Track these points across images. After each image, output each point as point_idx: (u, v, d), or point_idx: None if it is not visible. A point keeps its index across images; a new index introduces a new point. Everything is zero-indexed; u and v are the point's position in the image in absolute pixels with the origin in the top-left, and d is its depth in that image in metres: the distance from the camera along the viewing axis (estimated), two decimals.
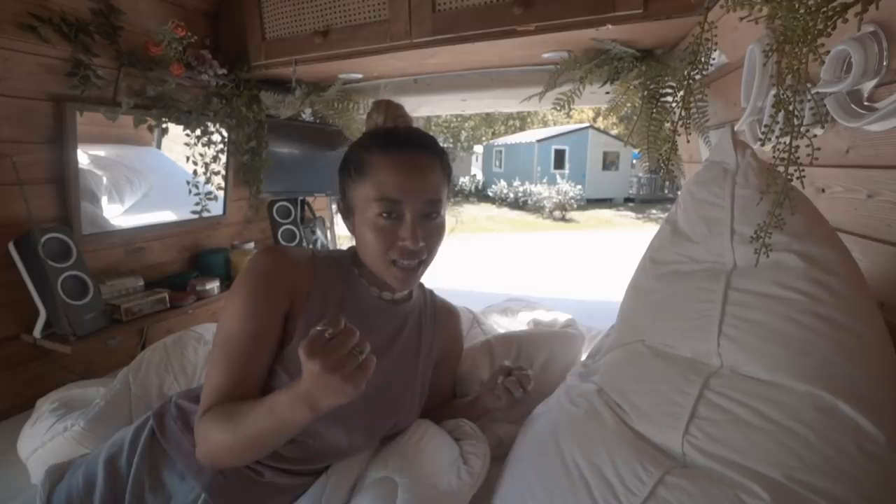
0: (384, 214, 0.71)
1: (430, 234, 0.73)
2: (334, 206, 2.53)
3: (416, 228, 0.71)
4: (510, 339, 1.07)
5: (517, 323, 1.33)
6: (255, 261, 0.73)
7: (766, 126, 0.55)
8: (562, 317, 1.29)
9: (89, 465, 0.76)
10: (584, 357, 0.95)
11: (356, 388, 0.51)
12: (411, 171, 0.71)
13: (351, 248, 0.83)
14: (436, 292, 0.95)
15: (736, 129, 0.96)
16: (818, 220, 0.60)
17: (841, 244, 0.58)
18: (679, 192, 0.82)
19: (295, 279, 0.73)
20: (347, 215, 0.78)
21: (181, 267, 1.86)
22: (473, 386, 0.99)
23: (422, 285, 0.90)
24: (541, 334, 1.13)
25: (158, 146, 1.71)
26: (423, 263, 0.75)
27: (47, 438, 0.93)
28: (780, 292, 0.55)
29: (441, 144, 0.78)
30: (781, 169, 0.51)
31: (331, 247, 2.44)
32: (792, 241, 0.56)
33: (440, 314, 0.92)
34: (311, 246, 2.23)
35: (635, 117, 1.31)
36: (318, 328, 0.51)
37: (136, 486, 0.72)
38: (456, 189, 17.16)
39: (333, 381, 0.50)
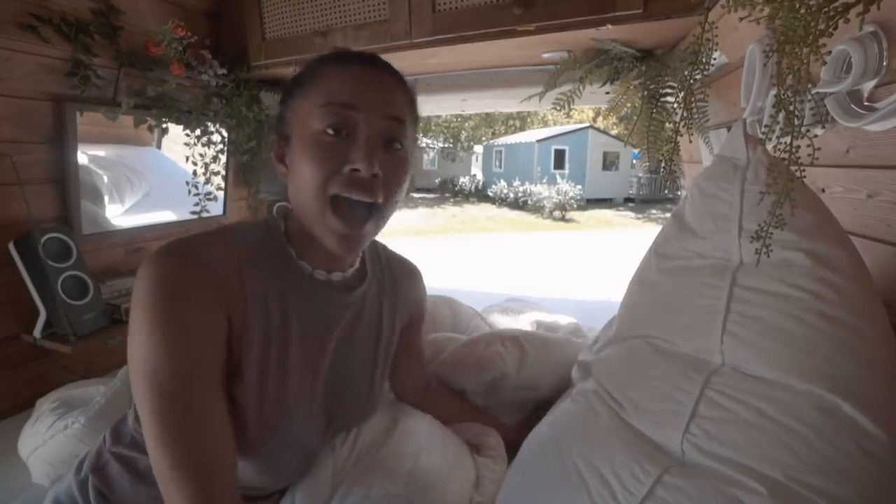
0: (330, 129, 0.54)
1: (389, 166, 0.57)
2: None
3: (372, 148, 0.55)
4: (547, 344, 1.01)
5: (519, 324, 1.33)
6: (163, 275, 0.51)
7: (766, 126, 0.55)
8: (564, 319, 1.29)
9: None
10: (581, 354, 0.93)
11: None
12: (370, 80, 0.58)
13: (277, 214, 0.65)
14: (390, 248, 0.80)
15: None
16: (827, 219, 0.59)
17: (849, 243, 0.58)
18: (679, 192, 0.82)
19: (225, 283, 0.55)
20: (282, 152, 0.61)
21: None
22: (488, 376, 0.94)
23: (375, 243, 0.75)
24: (572, 344, 1.07)
25: (158, 146, 1.71)
26: (378, 212, 0.58)
27: (48, 437, 0.93)
28: (786, 290, 0.54)
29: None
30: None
31: None
32: (801, 240, 0.56)
33: (401, 279, 0.78)
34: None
35: (635, 117, 1.31)
36: None
37: None
38: (456, 189, 17.16)
39: None
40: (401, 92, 0.60)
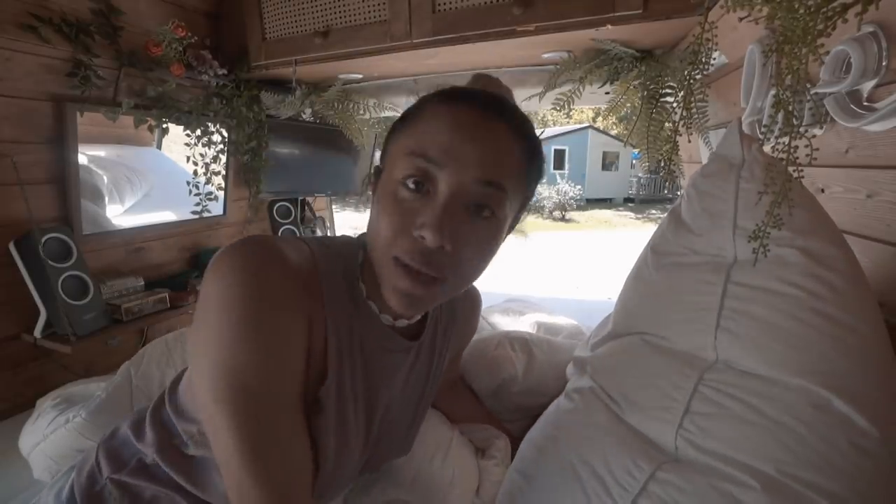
0: (410, 181, 0.47)
1: (467, 237, 0.48)
2: (334, 206, 2.52)
3: (446, 215, 0.46)
4: (553, 349, 1.01)
5: (520, 325, 1.33)
6: (254, 273, 0.46)
7: (765, 126, 0.56)
8: (565, 321, 1.29)
9: None
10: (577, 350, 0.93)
11: None
12: (472, 130, 0.48)
13: (359, 243, 0.59)
14: None
15: None
16: (822, 218, 0.60)
17: (843, 242, 0.58)
18: (679, 192, 0.82)
19: (309, 296, 0.50)
20: (375, 186, 0.54)
21: (181, 267, 1.86)
22: (502, 375, 0.93)
23: None
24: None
25: (159, 146, 1.71)
26: (443, 284, 0.49)
27: (49, 431, 0.93)
28: (780, 287, 0.55)
29: (538, 136, 0.55)
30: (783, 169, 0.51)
31: None
32: (795, 237, 0.56)
33: (461, 309, 0.73)
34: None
35: (635, 117, 1.31)
36: None
37: None
38: None
39: None
40: (512, 149, 0.50)
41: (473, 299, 0.78)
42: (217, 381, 0.45)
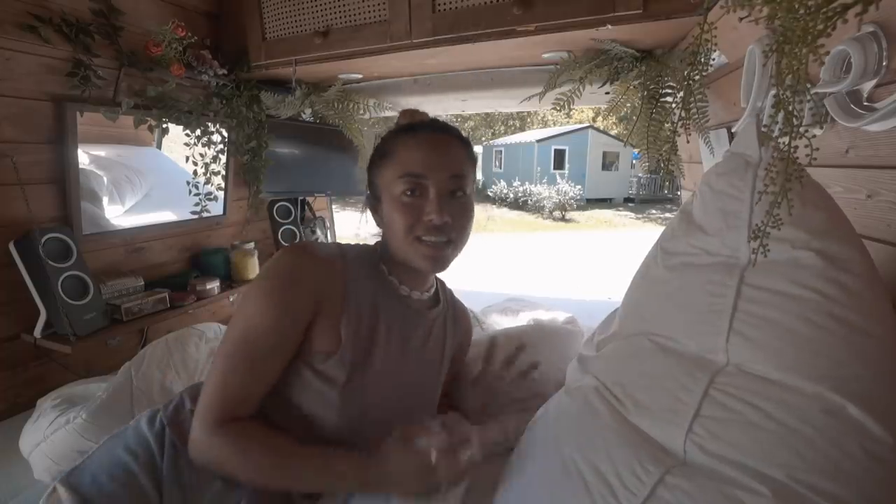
0: (408, 192, 0.72)
1: (456, 211, 0.73)
2: (334, 206, 2.53)
3: (442, 203, 0.71)
4: (511, 336, 1.06)
5: (518, 322, 1.33)
6: (280, 260, 0.72)
7: (765, 126, 0.56)
8: (561, 315, 1.29)
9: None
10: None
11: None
12: (434, 147, 0.74)
13: (378, 244, 0.82)
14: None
15: (735, 129, 0.96)
16: (839, 218, 0.58)
17: (860, 243, 0.57)
18: (679, 192, 0.82)
19: (324, 280, 0.72)
20: (375, 207, 0.79)
21: (181, 267, 1.86)
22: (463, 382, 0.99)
23: (444, 284, 0.92)
24: (544, 329, 1.11)
25: (159, 146, 1.71)
26: (453, 244, 0.74)
27: (49, 432, 0.93)
28: (796, 290, 0.53)
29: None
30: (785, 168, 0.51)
31: None
32: (811, 239, 0.55)
33: (460, 316, 0.92)
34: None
35: (635, 117, 1.31)
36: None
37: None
38: None
39: (419, 476, 0.63)
40: (461, 151, 0.77)
41: (465, 310, 0.99)
42: (232, 331, 0.70)
